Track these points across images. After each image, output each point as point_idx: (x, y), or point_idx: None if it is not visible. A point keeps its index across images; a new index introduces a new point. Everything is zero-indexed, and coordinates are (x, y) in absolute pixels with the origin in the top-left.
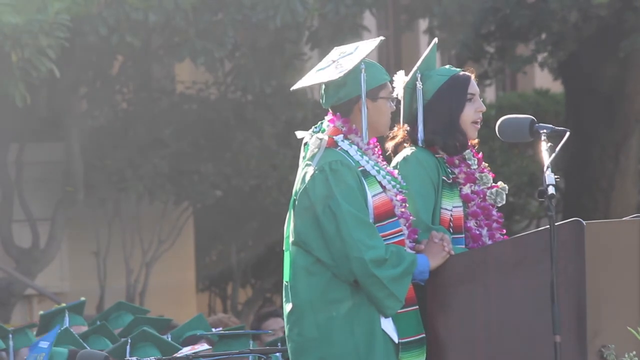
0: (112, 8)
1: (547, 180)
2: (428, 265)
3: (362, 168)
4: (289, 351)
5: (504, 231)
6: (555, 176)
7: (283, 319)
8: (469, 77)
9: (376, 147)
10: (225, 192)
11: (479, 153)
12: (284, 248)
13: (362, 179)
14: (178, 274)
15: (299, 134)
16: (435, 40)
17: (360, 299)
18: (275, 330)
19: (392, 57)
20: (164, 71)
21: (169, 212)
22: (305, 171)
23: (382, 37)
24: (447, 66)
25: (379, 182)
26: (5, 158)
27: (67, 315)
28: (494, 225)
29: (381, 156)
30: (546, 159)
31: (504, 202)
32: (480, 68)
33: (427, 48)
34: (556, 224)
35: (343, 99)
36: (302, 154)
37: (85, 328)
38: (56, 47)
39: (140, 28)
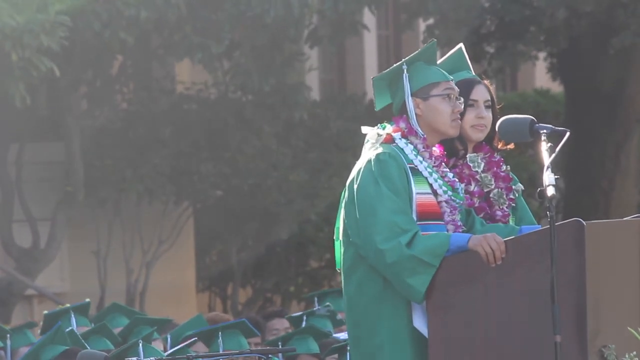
0: (105, 4)
1: (547, 180)
2: (467, 237)
3: (412, 166)
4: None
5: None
6: (555, 176)
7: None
8: (473, 83)
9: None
10: (225, 192)
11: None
12: (334, 237)
13: (410, 175)
14: (178, 274)
15: (365, 129)
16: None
17: (391, 296)
18: (279, 330)
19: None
20: (163, 71)
21: (169, 212)
22: (358, 164)
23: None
24: (466, 71)
25: (430, 185)
26: (5, 158)
27: (72, 315)
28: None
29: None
30: (546, 159)
31: (506, 204)
32: (480, 68)
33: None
34: (556, 224)
35: (397, 105)
36: (364, 149)
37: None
38: (57, 45)
39: (133, 24)
